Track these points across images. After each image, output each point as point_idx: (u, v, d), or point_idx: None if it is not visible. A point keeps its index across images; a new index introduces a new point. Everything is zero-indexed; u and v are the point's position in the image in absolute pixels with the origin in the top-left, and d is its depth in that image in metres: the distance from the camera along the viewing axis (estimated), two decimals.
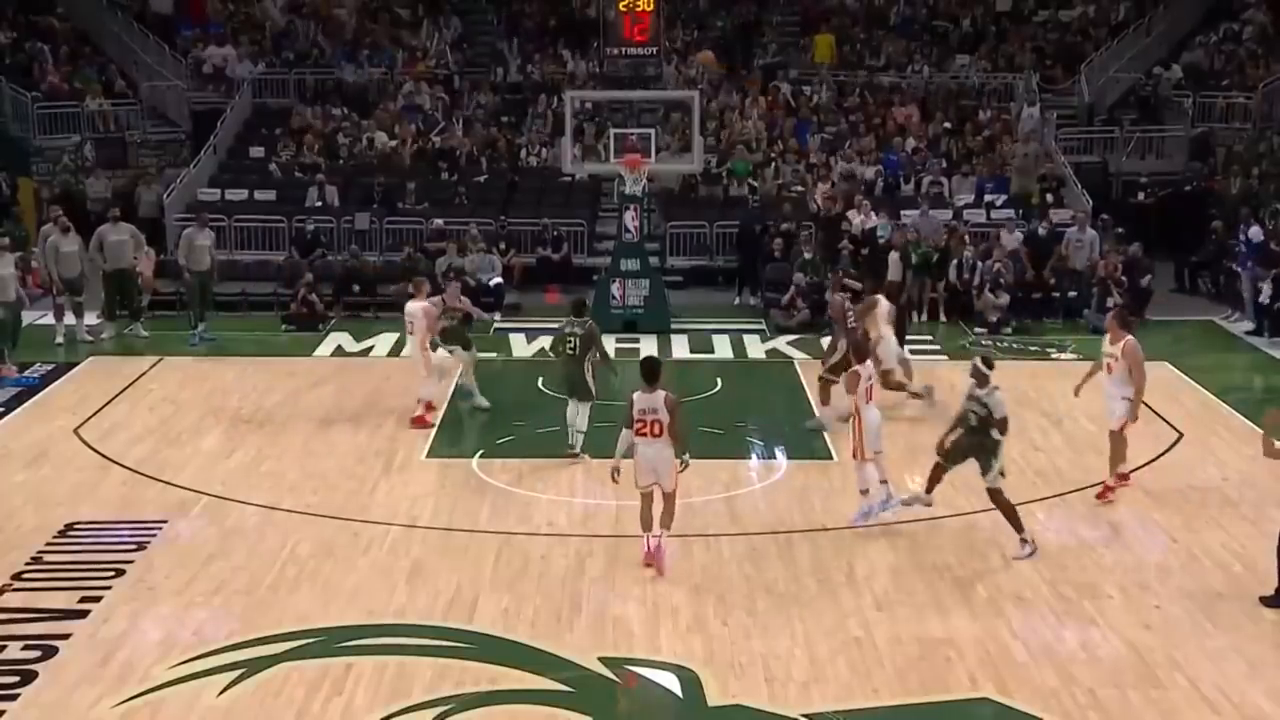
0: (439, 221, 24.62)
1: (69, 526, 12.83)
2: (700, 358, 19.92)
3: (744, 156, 26.68)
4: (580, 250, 24.99)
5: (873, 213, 23.76)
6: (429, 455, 15.14)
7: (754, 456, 15.40)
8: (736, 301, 23.69)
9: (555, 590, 11.45)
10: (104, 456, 14.99)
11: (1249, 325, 21.44)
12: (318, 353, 20.03)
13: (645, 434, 11.65)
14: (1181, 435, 15.73)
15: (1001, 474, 12.13)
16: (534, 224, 24.91)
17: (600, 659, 10.22)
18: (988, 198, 25.78)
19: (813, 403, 16.67)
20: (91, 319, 20.67)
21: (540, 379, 17.76)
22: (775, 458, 15.20)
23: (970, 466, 12.27)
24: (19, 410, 16.79)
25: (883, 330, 16.21)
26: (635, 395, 11.76)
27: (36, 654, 10.25)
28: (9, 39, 29.26)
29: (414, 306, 16.18)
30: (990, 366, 12.21)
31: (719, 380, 18.41)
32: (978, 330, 21.38)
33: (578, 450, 14.67)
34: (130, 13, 30.55)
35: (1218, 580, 11.75)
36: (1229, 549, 12.39)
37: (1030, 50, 30.39)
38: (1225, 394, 17.53)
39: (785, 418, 16.53)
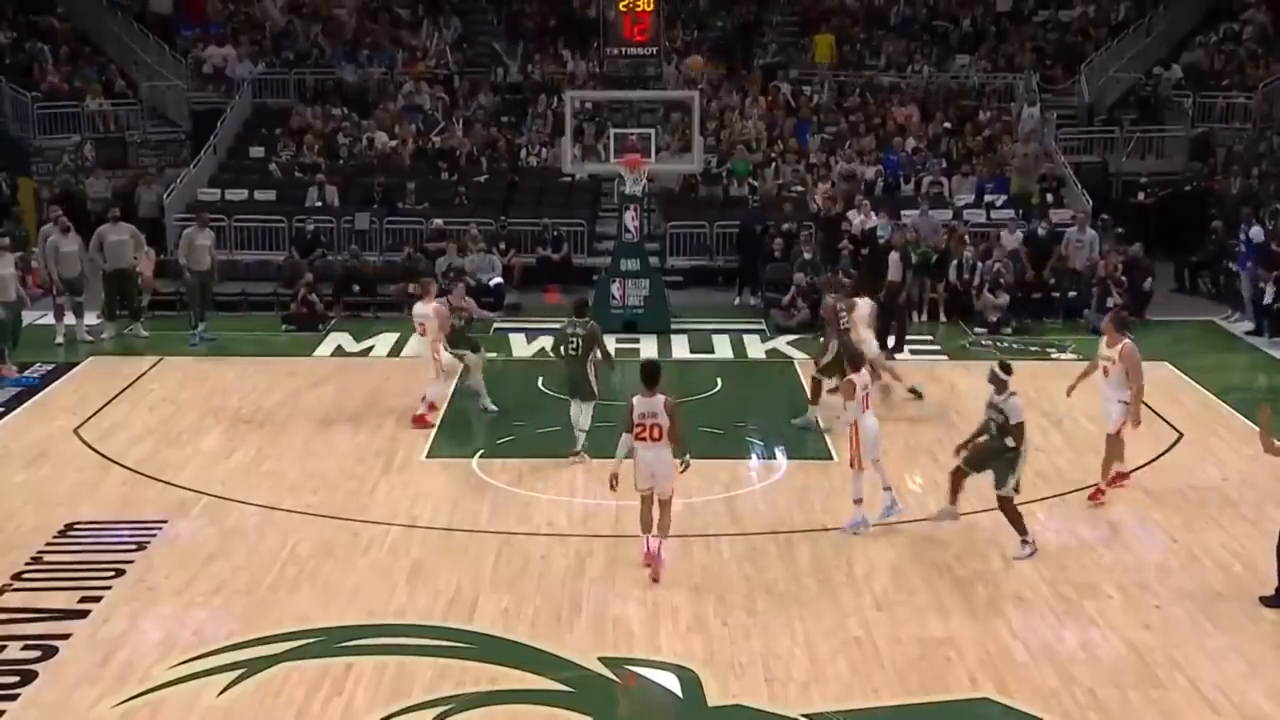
0: (439, 221, 24.61)
1: (69, 526, 12.83)
2: (700, 358, 19.90)
3: (744, 156, 26.67)
4: (580, 250, 24.98)
5: (873, 213, 23.72)
6: (429, 455, 15.14)
7: (754, 456, 15.39)
8: (736, 301, 23.67)
9: (555, 590, 11.45)
10: (104, 456, 14.98)
11: (1249, 325, 21.41)
12: (318, 353, 20.01)
13: (645, 438, 11.65)
14: (1181, 435, 15.73)
15: (1016, 489, 12.08)
16: (534, 224, 24.90)
17: (600, 659, 10.22)
18: (988, 198, 25.76)
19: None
20: (91, 319, 20.65)
21: (540, 379, 17.76)
22: (775, 458, 15.19)
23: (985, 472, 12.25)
24: (19, 410, 16.78)
25: (862, 333, 16.06)
26: (635, 399, 11.75)
27: (36, 654, 10.25)
28: (9, 39, 29.25)
29: (424, 309, 16.07)
30: (1008, 372, 12.11)
31: (719, 380, 18.39)
32: (978, 330, 21.35)
33: (579, 450, 14.66)
34: (130, 13, 30.52)
35: (1218, 580, 11.75)
36: (1229, 549, 12.39)
37: (1030, 50, 30.37)
38: (1225, 394, 17.53)
39: (785, 418, 16.51)
